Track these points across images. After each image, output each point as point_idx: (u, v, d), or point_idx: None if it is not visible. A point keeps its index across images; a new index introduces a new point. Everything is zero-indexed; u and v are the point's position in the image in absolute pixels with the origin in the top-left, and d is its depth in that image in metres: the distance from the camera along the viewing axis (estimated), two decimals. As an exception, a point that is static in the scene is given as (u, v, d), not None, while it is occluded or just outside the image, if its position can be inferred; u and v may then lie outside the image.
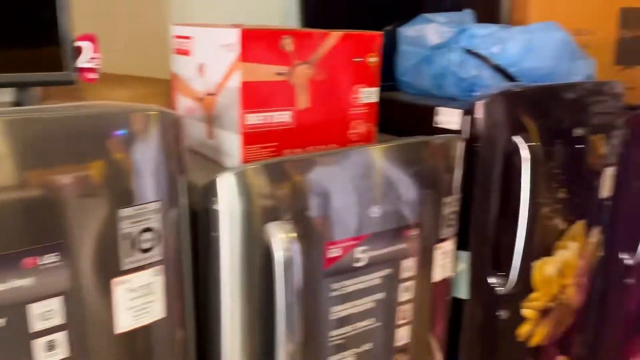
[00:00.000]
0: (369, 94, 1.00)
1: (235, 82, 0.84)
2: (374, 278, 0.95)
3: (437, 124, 1.22)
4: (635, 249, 1.57)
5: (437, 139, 1.07)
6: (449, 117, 1.19)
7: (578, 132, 1.26)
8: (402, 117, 1.33)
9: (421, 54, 1.39)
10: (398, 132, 1.16)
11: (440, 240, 1.06)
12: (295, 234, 0.81)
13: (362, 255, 0.92)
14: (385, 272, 0.96)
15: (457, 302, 1.23)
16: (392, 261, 0.97)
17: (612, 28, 1.68)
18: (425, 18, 1.42)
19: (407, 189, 0.99)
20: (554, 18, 1.62)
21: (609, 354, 1.68)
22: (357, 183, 0.91)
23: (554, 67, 1.23)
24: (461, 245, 1.20)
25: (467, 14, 1.46)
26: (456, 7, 1.49)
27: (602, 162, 1.35)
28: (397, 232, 0.97)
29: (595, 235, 1.41)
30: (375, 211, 0.93)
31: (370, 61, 0.99)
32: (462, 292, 1.21)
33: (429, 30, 1.39)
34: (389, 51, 1.47)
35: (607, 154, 1.35)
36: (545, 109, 1.20)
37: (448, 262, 1.10)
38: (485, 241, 1.21)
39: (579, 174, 1.30)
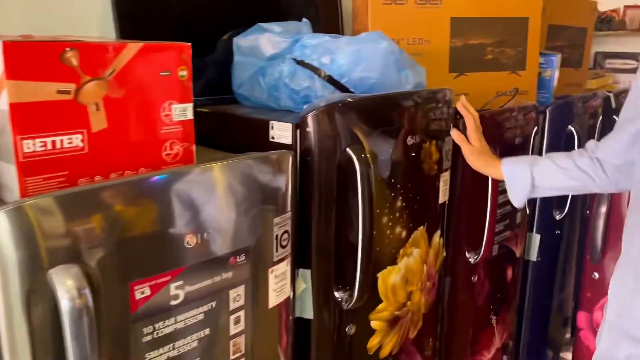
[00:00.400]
0: (183, 111, 0.91)
1: (3, 103, 0.71)
2: (196, 314, 0.86)
3: (273, 138, 1.16)
4: (478, 248, 1.64)
5: (265, 155, 1.01)
6: (282, 131, 1.14)
7: (411, 140, 1.28)
8: (239, 132, 1.26)
9: (256, 65, 1.34)
10: (234, 148, 1.09)
11: (274, 262, 1.00)
12: (85, 279, 0.69)
13: (177, 291, 0.83)
14: (209, 306, 0.88)
15: (304, 323, 1.18)
16: (217, 293, 0.89)
17: (446, 37, 1.75)
18: (260, 28, 1.36)
19: (232, 212, 0.92)
20: (392, 27, 1.66)
21: (462, 350, 1.74)
22: (168, 210, 0.82)
23: (383, 76, 1.23)
24: (302, 263, 1.16)
25: (305, 24, 1.43)
26: (302, 16, 1.45)
27: (437, 168, 1.38)
28: (220, 260, 0.89)
29: (437, 239, 1.44)
30: (192, 241, 0.84)
31: (180, 75, 0.90)
32: (307, 311, 1.17)
33: (263, 41, 1.34)
34: (227, 62, 1.40)
35: (441, 159, 1.39)
36: (377, 118, 1.19)
37: (285, 284, 1.04)
38: (327, 257, 1.17)
39: (416, 182, 1.32)
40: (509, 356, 2.06)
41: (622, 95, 2.60)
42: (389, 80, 1.25)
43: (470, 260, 1.65)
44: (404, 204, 1.28)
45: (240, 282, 0.93)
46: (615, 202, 1.73)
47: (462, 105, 1.36)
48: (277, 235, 0.99)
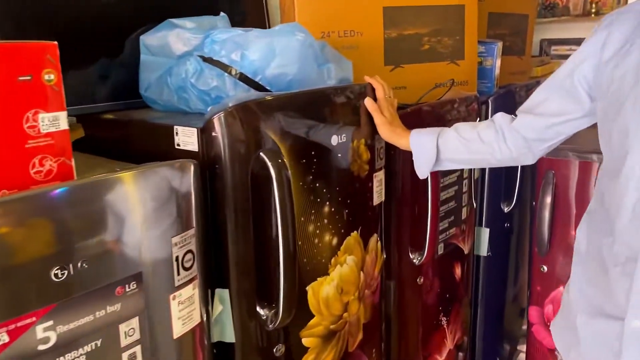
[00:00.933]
0: (54, 121, 0.78)
1: None
2: (76, 357, 0.74)
3: (179, 145, 1.05)
4: (421, 249, 1.56)
5: (163, 165, 0.89)
6: (187, 137, 1.03)
7: (337, 139, 1.18)
8: (144, 139, 1.13)
9: (165, 64, 1.21)
10: (140, 158, 0.96)
11: (176, 288, 0.88)
12: None
13: (47, 334, 0.70)
14: (92, 346, 0.75)
15: (227, 347, 1.07)
16: (102, 329, 0.77)
17: (379, 28, 1.66)
18: (171, 23, 1.24)
19: (119, 233, 0.80)
20: (322, 20, 1.56)
21: (412, 356, 1.66)
22: (30, 237, 0.69)
23: (301, 72, 1.12)
24: (220, 282, 1.04)
25: (221, 19, 1.31)
26: (223, 11, 1.33)
27: (369, 168, 1.28)
28: (103, 292, 0.77)
29: (374, 242, 1.35)
30: (63, 272, 0.72)
31: (47, 79, 0.77)
32: (228, 335, 1.05)
33: (173, 38, 1.21)
34: (136, 63, 1.27)
35: (373, 159, 1.29)
36: (295, 118, 1.09)
37: (192, 310, 0.92)
38: (247, 273, 1.06)
39: (345, 184, 1.22)
40: (465, 353, 2.00)
41: (566, 81, 2.58)
42: (308, 75, 1.14)
43: (414, 261, 1.57)
44: (332, 210, 1.18)
45: (133, 314, 0.81)
46: (561, 192, 1.68)
47: (369, 76, 1.28)
48: (177, 257, 0.87)
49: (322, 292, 1.18)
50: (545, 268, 1.75)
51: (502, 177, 2.00)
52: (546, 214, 1.70)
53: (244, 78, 1.10)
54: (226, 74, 1.10)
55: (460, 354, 1.97)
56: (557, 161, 1.66)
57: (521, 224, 2.23)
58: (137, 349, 0.82)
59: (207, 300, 0.99)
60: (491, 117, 1.21)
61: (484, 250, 2.00)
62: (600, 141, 0.99)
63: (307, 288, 1.16)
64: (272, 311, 1.09)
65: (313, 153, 1.12)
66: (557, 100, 1.06)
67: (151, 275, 0.83)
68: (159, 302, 0.85)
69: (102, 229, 0.77)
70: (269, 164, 1.01)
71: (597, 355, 0.98)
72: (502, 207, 2.04)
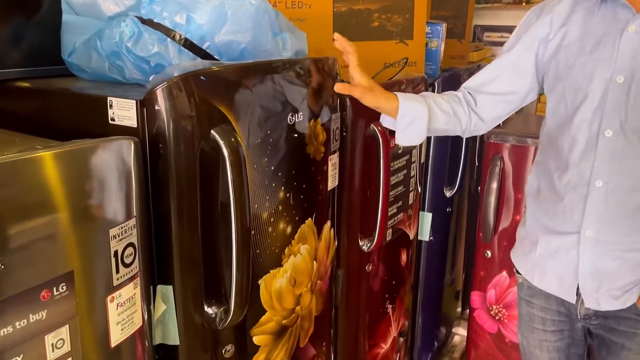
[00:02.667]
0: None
1: None
2: (-11, 379, 0.60)
3: (112, 120, 0.90)
4: (371, 235, 1.49)
5: (97, 143, 0.75)
6: (123, 111, 0.88)
7: (293, 118, 1.07)
8: (69, 113, 0.97)
9: (94, 26, 1.04)
10: (63, 135, 0.80)
11: (114, 288, 0.75)
12: None
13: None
14: (10, 364, 0.61)
15: (170, 350, 0.94)
16: (24, 343, 0.63)
17: (328, 1, 1.56)
18: (98, -20, 1.06)
19: (43, 226, 0.65)
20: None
21: (358, 347, 1.60)
22: None
23: (255, 41, 1.00)
24: (161, 278, 0.91)
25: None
26: None
27: (325, 150, 1.19)
28: (24, 298, 0.62)
29: (327, 230, 1.26)
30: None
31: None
32: (171, 337, 0.93)
33: (102, -5, 1.04)
34: (56, 23, 1.08)
35: (328, 140, 1.20)
36: (250, 92, 0.97)
37: (134, 313, 0.79)
38: (193, 267, 0.94)
39: (301, 167, 1.12)
40: (405, 338, 1.98)
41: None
42: (262, 45, 1.02)
43: (363, 248, 1.50)
44: (288, 195, 1.08)
45: (62, 322, 0.67)
46: (506, 177, 1.67)
47: (339, 39, 1.14)
48: (115, 252, 0.73)
49: (274, 285, 1.08)
50: (489, 253, 1.75)
51: (446, 161, 1.97)
52: (492, 200, 1.69)
53: (189, 45, 0.97)
54: (169, 39, 0.95)
55: (401, 339, 1.95)
56: (504, 146, 1.65)
57: (460, 209, 2.23)
58: (68, 363, 0.68)
59: (149, 299, 0.86)
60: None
61: (426, 235, 1.98)
62: (549, 101, 1.15)
63: (259, 282, 1.05)
64: (222, 309, 0.98)
65: (268, 132, 1.00)
66: (509, 79, 1.19)
67: (84, 274, 0.69)
68: (93, 306, 0.71)
69: (22, 221, 0.62)
70: (221, 143, 0.89)
71: (557, 266, 1.14)
72: (444, 191, 2.02)
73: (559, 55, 1.10)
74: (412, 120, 1.16)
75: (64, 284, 0.66)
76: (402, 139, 1.19)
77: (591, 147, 1.06)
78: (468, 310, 2.55)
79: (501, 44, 3.50)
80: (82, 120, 0.94)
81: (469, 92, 1.24)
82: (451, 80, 1.92)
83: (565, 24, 1.11)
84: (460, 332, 2.49)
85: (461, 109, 1.21)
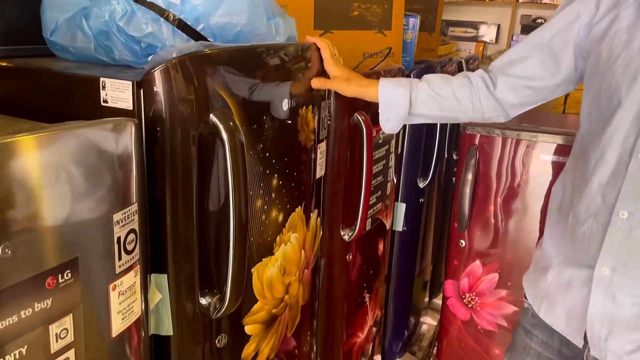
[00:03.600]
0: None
1: None
2: (-7, 372, 0.56)
3: (105, 102, 0.86)
4: (353, 225, 1.49)
5: (96, 124, 0.71)
6: (118, 92, 0.84)
7: (287, 104, 1.05)
8: (55, 94, 0.92)
9: (78, 4, 0.99)
10: (49, 118, 0.76)
11: (117, 275, 0.72)
12: None
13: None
14: (15, 355, 0.57)
15: (162, 340, 0.92)
16: (28, 333, 0.59)
17: (309, -12, 1.54)
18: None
19: (48, 210, 0.61)
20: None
21: (337, 336, 1.61)
22: None
23: (250, 24, 0.98)
24: (156, 267, 0.88)
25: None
26: None
27: (314, 138, 1.18)
28: (29, 285, 0.58)
29: (314, 219, 1.26)
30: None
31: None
32: (165, 327, 0.90)
33: (86, -29, 0.99)
34: (35, 2, 1.03)
35: (318, 128, 1.19)
36: (248, 76, 0.94)
37: (134, 302, 0.76)
38: (189, 256, 0.91)
39: (292, 155, 1.10)
40: (378, 327, 2.00)
41: (470, 61, 2.66)
42: (257, 29, 1.00)
43: (344, 237, 1.50)
44: (280, 182, 1.06)
45: (66, 311, 0.63)
46: (482, 168, 1.70)
47: (309, 40, 1.17)
48: (119, 238, 0.70)
49: (266, 273, 1.07)
50: (463, 242, 1.78)
51: (420, 153, 2.00)
52: (467, 190, 1.72)
53: (183, 26, 0.93)
54: (162, 19, 0.92)
55: (374, 328, 1.97)
56: (480, 137, 1.68)
57: (432, 199, 2.27)
58: (70, 353, 0.65)
59: (146, 288, 0.83)
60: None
61: (399, 225, 2.00)
62: (584, 99, 0.99)
63: (252, 270, 1.03)
64: (216, 298, 0.95)
65: (265, 118, 0.99)
66: (539, 62, 1.04)
67: (89, 261, 0.66)
68: (96, 293, 0.68)
69: (30, 203, 0.58)
70: (220, 127, 0.86)
71: (566, 301, 1.02)
72: (418, 182, 2.04)
73: (603, 44, 0.92)
74: (390, 106, 1.12)
75: (69, 270, 0.63)
76: (385, 126, 1.18)
77: (621, 169, 0.89)
78: (435, 300, 2.62)
79: (465, 38, 3.55)
80: (71, 102, 0.89)
81: (488, 74, 1.12)
82: (426, 72, 1.93)
83: (616, 6, 0.92)
84: (428, 321, 2.54)
85: (466, 93, 1.10)
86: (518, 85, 1.07)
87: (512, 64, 1.08)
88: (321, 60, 1.18)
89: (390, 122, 1.16)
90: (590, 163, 0.95)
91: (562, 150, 1.58)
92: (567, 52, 1.01)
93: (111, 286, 0.70)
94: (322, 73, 1.18)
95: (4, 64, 0.97)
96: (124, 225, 0.71)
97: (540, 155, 1.63)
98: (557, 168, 1.60)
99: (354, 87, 1.14)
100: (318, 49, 1.17)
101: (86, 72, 0.88)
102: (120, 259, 0.71)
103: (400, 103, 1.11)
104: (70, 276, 0.63)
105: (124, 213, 0.71)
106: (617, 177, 0.90)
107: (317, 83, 1.12)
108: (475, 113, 1.12)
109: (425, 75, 1.16)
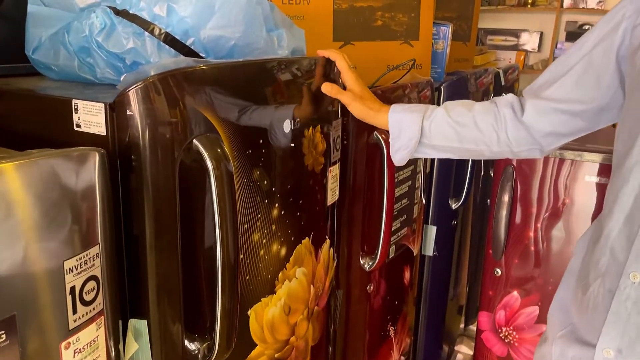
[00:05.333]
0: None
1: None
2: None
3: (78, 127, 0.76)
4: (373, 253, 1.37)
5: (54, 154, 0.62)
6: (91, 116, 0.75)
7: (290, 125, 0.94)
8: (29, 118, 0.84)
9: (62, 19, 0.91)
10: (22, 145, 0.67)
11: (71, 332, 0.62)
12: None
13: None
14: None
15: (144, 392, 0.81)
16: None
17: (328, -3, 1.44)
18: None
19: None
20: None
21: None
22: None
23: (247, 37, 0.87)
24: (135, 311, 0.78)
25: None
26: None
27: (324, 162, 1.06)
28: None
29: (326, 249, 1.14)
30: None
31: None
32: (145, 379, 0.80)
33: (72, -16, 0.91)
34: (19, 14, 0.96)
35: (328, 150, 1.07)
36: (240, 96, 0.84)
37: (96, 358, 0.66)
38: (172, 297, 0.81)
39: (297, 181, 0.99)
40: (407, 357, 1.85)
41: (509, 71, 2.49)
42: (255, 42, 0.89)
43: (365, 267, 1.38)
44: (282, 213, 0.95)
45: (-2, 381, 0.53)
46: (521, 190, 1.55)
47: (322, 53, 1.04)
48: (72, 288, 0.60)
49: (267, 315, 0.95)
50: (499, 271, 1.62)
51: (452, 171, 1.85)
52: (503, 214, 1.57)
53: (170, 40, 0.84)
54: (147, 33, 0.83)
55: (403, 358, 1.82)
56: (517, 156, 1.52)
57: (464, 221, 2.11)
58: None
59: (117, 337, 0.73)
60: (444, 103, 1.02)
61: (430, 249, 1.85)
62: (620, 119, 0.82)
63: (248, 312, 0.92)
64: (205, 344, 0.85)
65: (261, 142, 0.88)
66: (574, 79, 0.85)
67: (31, 318, 0.56)
68: (43, 356, 0.58)
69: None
70: (205, 154, 0.76)
71: None
72: (450, 203, 1.89)
73: (638, 56, 0.74)
74: (398, 135, 0.98)
75: (2, 332, 0.53)
76: (394, 157, 1.04)
77: (637, 215, 0.72)
78: (471, 327, 2.44)
79: (505, 47, 3.36)
80: (44, 126, 0.81)
81: (519, 98, 0.95)
82: (458, 84, 1.80)
83: None
84: (463, 350, 2.37)
85: (490, 120, 0.93)
86: (549, 109, 0.88)
87: (545, 85, 0.90)
88: (326, 77, 1.06)
89: (399, 152, 1.02)
90: (607, 205, 0.78)
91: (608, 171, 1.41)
92: (608, 65, 0.81)
93: (63, 345, 0.60)
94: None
95: (-20, 85, 0.90)
96: (79, 273, 0.61)
97: (586, 176, 1.46)
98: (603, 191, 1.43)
99: (365, 108, 1.01)
100: (327, 64, 1.05)
101: (59, 93, 0.80)
102: (75, 312, 0.61)
103: (411, 130, 0.97)
104: (4, 338, 0.53)
105: (80, 259, 0.61)
106: (632, 226, 0.72)
107: (328, 88, 1.00)
108: (502, 146, 0.94)
109: (445, 103, 1.02)
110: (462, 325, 2.47)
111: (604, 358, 0.75)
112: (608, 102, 0.83)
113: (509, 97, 0.95)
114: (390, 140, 1.02)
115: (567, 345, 0.86)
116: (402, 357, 1.80)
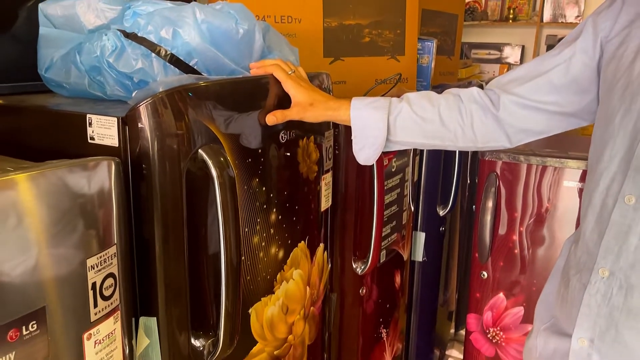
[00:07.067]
0: None
1: None
2: None
3: (92, 139, 0.83)
4: (365, 257, 1.43)
5: (73, 164, 0.68)
6: (104, 129, 0.82)
7: (285, 136, 1.01)
8: (45, 131, 0.90)
9: (73, 40, 0.99)
10: (38, 156, 0.73)
11: (92, 324, 0.68)
12: None
13: None
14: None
15: (153, 387, 0.87)
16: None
17: (318, 16, 1.52)
18: (78, -8, 1.01)
19: (11, 257, 0.58)
20: (256, 1, 1.39)
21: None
22: None
23: (243, 60, 0.95)
24: (145, 309, 0.84)
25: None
26: None
27: (317, 170, 1.13)
28: (-12, 339, 0.55)
29: (320, 253, 1.20)
30: None
31: None
32: (155, 373, 0.86)
33: (82, 8, 0.99)
34: (33, 37, 1.03)
35: (321, 159, 1.15)
36: (239, 109, 0.91)
37: (113, 350, 0.72)
38: (179, 296, 0.87)
39: (293, 188, 1.06)
40: (399, 361, 1.91)
41: (492, 84, 2.59)
42: (250, 61, 0.97)
43: (357, 270, 1.44)
44: (280, 217, 1.02)
45: (31, 367, 0.60)
46: (504, 195, 1.63)
47: (253, 67, 0.96)
48: (94, 283, 0.67)
49: (266, 313, 1.02)
50: (485, 274, 1.69)
51: (439, 179, 1.93)
52: (488, 219, 1.64)
53: (175, 60, 0.91)
54: (154, 54, 0.90)
55: (395, 363, 1.88)
56: (500, 163, 1.61)
57: (452, 228, 2.19)
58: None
59: (131, 333, 0.79)
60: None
61: (419, 255, 1.92)
62: (592, 136, 0.86)
63: (249, 310, 0.98)
64: (210, 341, 0.91)
65: (260, 151, 0.95)
66: (554, 81, 0.88)
67: (58, 310, 0.62)
68: (68, 345, 0.64)
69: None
70: (210, 162, 0.83)
71: None
72: (437, 210, 1.97)
73: (609, 67, 0.80)
74: (363, 132, 0.94)
75: (34, 321, 0.59)
76: (358, 156, 0.99)
77: (605, 215, 0.77)
78: (462, 332, 2.50)
79: (488, 60, 3.47)
80: (59, 139, 0.87)
81: (487, 92, 0.94)
82: (443, 97, 1.89)
83: (632, 23, 0.79)
84: (454, 355, 2.43)
85: (455, 116, 0.92)
86: (528, 105, 0.90)
87: (517, 82, 0.91)
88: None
89: (364, 150, 0.97)
90: (583, 207, 0.83)
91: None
92: (587, 71, 0.86)
93: (85, 335, 0.66)
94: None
95: (-3, 102, 0.96)
96: (99, 270, 0.68)
97: (567, 182, 1.54)
98: (583, 195, 1.51)
99: (320, 112, 0.95)
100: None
101: (73, 109, 0.87)
102: (96, 305, 0.68)
103: (377, 129, 0.93)
104: (36, 327, 0.60)
105: (100, 257, 0.68)
106: (601, 225, 0.78)
107: (272, 119, 0.94)
108: (467, 141, 0.94)
109: (406, 94, 0.99)
110: (452, 331, 2.53)
111: (579, 347, 0.81)
112: (583, 107, 0.89)
113: (474, 91, 0.94)
114: (352, 138, 0.97)
115: (549, 337, 0.91)
116: (395, 362, 1.86)
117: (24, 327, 0.58)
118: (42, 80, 1.02)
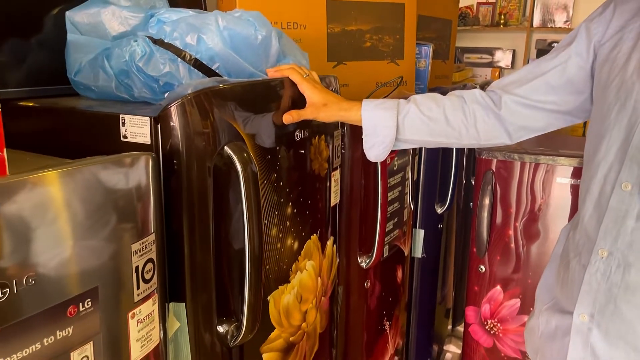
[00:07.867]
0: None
1: None
2: (17, 398, 0.58)
3: (125, 137, 0.90)
4: (370, 252, 1.50)
5: (115, 158, 0.75)
6: (137, 128, 0.88)
7: (300, 134, 1.08)
8: (78, 131, 0.97)
9: (99, 45, 1.05)
10: (72, 153, 0.80)
11: (136, 303, 0.74)
12: None
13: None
14: (38, 382, 0.60)
15: (180, 369, 0.93)
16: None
17: (322, 22, 1.59)
18: (101, 0, 1.08)
19: (70, 241, 0.65)
20: (264, 9, 1.45)
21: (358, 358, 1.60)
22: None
23: (261, 61, 1.02)
24: (174, 295, 0.91)
25: (160, -2, 1.17)
26: None
27: (328, 167, 1.20)
28: (52, 313, 0.61)
29: (330, 246, 1.27)
30: (3, 292, 0.56)
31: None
32: (183, 355, 0.92)
33: (107, 15, 1.06)
34: (60, 43, 1.09)
35: (331, 156, 1.22)
36: (259, 109, 0.98)
37: (152, 330, 0.79)
38: (206, 284, 0.93)
39: (306, 183, 1.13)
40: (400, 356, 1.98)
41: (486, 87, 2.67)
42: (268, 66, 1.04)
43: (362, 264, 1.51)
44: (295, 211, 1.09)
45: (87, 339, 0.66)
46: (500, 193, 1.70)
47: (270, 72, 1.03)
48: (137, 267, 0.73)
49: (283, 301, 1.08)
50: (483, 268, 1.77)
51: (437, 178, 2.01)
52: (484, 215, 1.72)
53: (199, 65, 0.98)
54: (179, 59, 0.96)
55: (397, 357, 1.95)
56: (497, 162, 1.69)
57: (449, 226, 2.26)
58: (89, 383, 0.67)
59: (164, 317, 0.85)
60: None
61: (419, 251, 2.00)
62: (587, 132, 0.95)
63: (268, 298, 1.05)
64: (233, 326, 0.97)
65: (278, 148, 1.02)
66: (551, 82, 0.96)
67: (108, 290, 0.69)
68: (116, 322, 0.71)
69: (54, 234, 0.62)
70: (235, 158, 0.90)
71: (552, 353, 0.97)
72: (436, 208, 2.05)
73: (604, 69, 0.87)
74: (374, 131, 1.01)
75: (89, 299, 0.66)
76: (369, 153, 1.06)
77: (603, 201, 0.84)
78: (459, 328, 2.58)
79: (480, 64, 3.57)
80: (93, 138, 0.94)
81: (489, 93, 1.02)
82: (440, 99, 1.96)
83: (623, 28, 0.86)
84: (451, 350, 2.50)
85: (459, 115, 1.00)
86: (527, 104, 0.97)
87: (516, 83, 0.99)
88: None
89: (375, 148, 1.04)
90: (581, 195, 0.91)
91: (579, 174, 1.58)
92: (581, 73, 0.94)
93: (130, 314, 0.73)
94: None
95: (31, 104, 1.02)
96: (142, 255, 0.74)
97: (559, 178, 1.62)
98: (575, 191, 1.60)
99: (333, 112, 1.03)
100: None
101: (107, 110, 0.93)
102: (138, 287, 0.74)
103: (386, 127, 1.00)
104: (90, 305, 0.66)
105: (142, 243, 0.74)
106: (599, 210, 0.85)
107: (288, 118, 1.01)
108: (470, 139, 1.02)
109: (412, 96, 1.06)
110: (449, 327, 2.61)
111: (580, 322, 0.88)
112: (577, 106, 0.97)
113: (476, 93, 1.03)
114: (363, 137, 1.04)
115: (551, 315, 0.98)
116: (396, 357, 1.93)
117: (80, 304, 0.65)
118: (70, 84, 1.08)
